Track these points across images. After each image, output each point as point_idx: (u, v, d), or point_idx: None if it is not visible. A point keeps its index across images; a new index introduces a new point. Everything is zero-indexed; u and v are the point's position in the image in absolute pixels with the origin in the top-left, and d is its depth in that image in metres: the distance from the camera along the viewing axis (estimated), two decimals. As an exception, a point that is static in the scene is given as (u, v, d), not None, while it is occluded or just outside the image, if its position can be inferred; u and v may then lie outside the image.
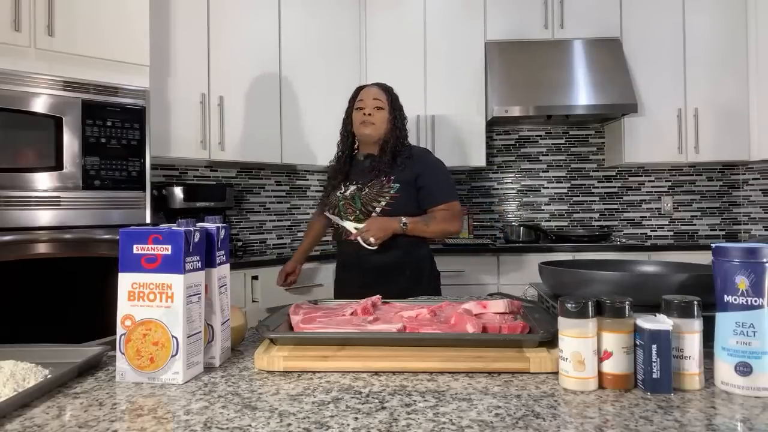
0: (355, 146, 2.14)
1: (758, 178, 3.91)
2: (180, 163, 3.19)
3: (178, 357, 0.81)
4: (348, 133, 2.11)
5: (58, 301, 2.11)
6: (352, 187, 2.02)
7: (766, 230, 3.87)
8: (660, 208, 3.96)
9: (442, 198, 2.01)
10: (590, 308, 0.75)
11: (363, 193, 1.98)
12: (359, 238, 1.90)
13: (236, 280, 2.70)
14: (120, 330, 0.83)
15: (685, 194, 3.95)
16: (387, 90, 2.11)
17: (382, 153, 2.03)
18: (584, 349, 0.75)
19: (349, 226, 1.96)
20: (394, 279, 1.95)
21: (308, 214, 3.82)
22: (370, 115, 2.02)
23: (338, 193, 2.04)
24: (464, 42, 3.62)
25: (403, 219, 1.92)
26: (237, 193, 3.44)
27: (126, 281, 0.83)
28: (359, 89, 2.14)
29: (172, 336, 0.81)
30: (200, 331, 0.86)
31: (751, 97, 3.53)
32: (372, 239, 1.88)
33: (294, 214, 3.76)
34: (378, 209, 1.95)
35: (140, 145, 2.36)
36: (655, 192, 3.96)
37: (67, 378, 0.82)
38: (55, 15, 2.15)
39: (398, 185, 1.97)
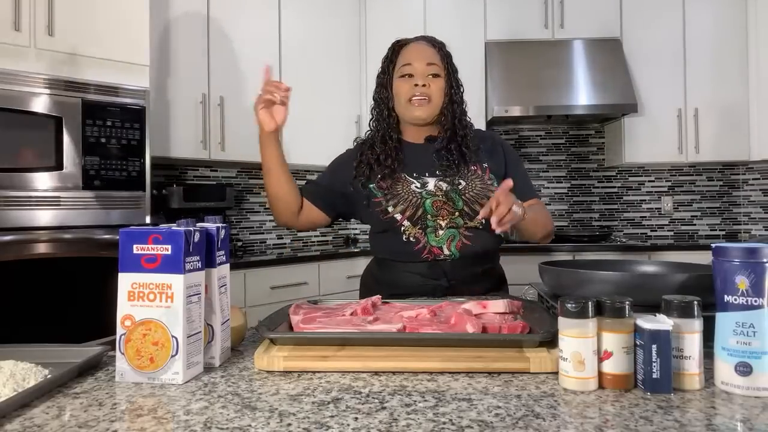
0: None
1: (758, 178, 3.91)
2: (180, 163, 3.19)
3: (178, 357, 0.81)
4: (388, 112, 1.48)
5: (58, 301, 2.11)
6: (432, 180, 1.44)
7: (766, 230, 3.87)
8: (660, 208, 3.96)
9: (531, 194, 1.52)
10: (590, 308, 0.75)
11: (461, 187, 1.42)
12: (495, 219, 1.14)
13: (236, 280, 2.70)
14: (120, 330, 0.82)
15: (685, 194, 3.95)
16: (440, 46, 1.49)
17: (449, 135, 1.46)
18: (584, 349, 0.75)
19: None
20: (474, 288, 1.43)
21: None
22: (424, 86, 1.42)
23: (413, 188, 1.43)
24: (464, 42, 3.62)
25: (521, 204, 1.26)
26: (237, 193, 3.44)
27: (126, 281, 0.83)
28: (399, 45, 1.50)
29: (172, 336, 0.81)
30: (200, 331, 0.86)
31: (751, 97, 3.53)
32: (519, 210, 1.18)
33: (294, 214, 3.76)
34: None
35: (140, 145, 2.36)
36: (655, 192, 3.96)
37: (66, 378, 0.81)
38: (55, 15, 2.15)
39: (493, 176, 1.47)
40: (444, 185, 1.43)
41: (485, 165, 1.48)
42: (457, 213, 1.41)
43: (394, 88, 1.47)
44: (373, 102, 1.54)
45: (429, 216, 1.41)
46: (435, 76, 1.45)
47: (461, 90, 1.51)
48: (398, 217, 1.42)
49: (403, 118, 1.50)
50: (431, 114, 1.45)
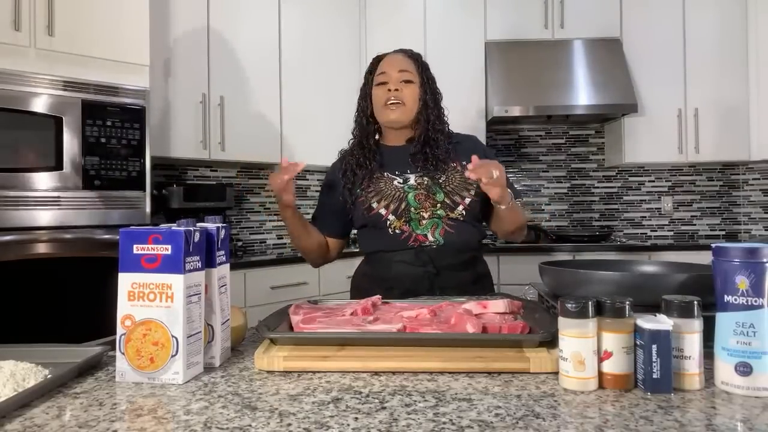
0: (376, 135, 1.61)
1: (758, 178, 3.91)
2: (180, 163, 3.19)
3: (178, 357, 0.81)
4: (368, 119, 1.58)
5: (58, 301, 2.11)
6: (413, 176, 1.51)
7: (766, 230, 3.87)
8: (660, 208, 3.96)
9: (515, 195, 1.52)
10: (590, 308, 0.75)
11: (441, 180, 1.49)
12: (473, 173, 1.27)
13: (236, 280, 2.70)
14: (120, 330, 0.82)
15: (685, 194, 3.95)
16: (415, 57, 1.59)
17: (422, 140, 1.53)
18: (584, 349, 0.75)
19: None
20: (459, 275, 1.49)
21: (308, 213, 3.81)
22: (397, 90, 1.51)
23: (395, 184, 1.51)
24: (464, 42, 3.62)
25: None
26: (237, 193, 3.44)
27: (126, 281, 0.83)
28: (378, 59, 1.61)
29: (172, 336, 0.81)
30: (200, 331, 0.86)
31: (751, 96, 3.53)
32: (495, 173, 1.27)
33: (294, 214, 3.76)
34: (468, 200, 1.48)
35: (140, 144, 2.36)
36: (655, 192, 3.96)
37: (67, 378, 0.81)
38: (55, 15, 2.15)
39: None
40: (425, 180, 1.51)
41: (464, 162, 1.51)
42: (438, 204, 1.48)
43: (372, 96, 1.57)
44: (356, 111, 1.63)
45: (412, 208, 1.48)
46: (408, 82, 1.53)
47: (438, 97, 1.59)
48: (383, 212, 1.49)
49: (381, 123, 1.57)
50: (406, 117, 1.53)
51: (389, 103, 1.51)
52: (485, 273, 1.60)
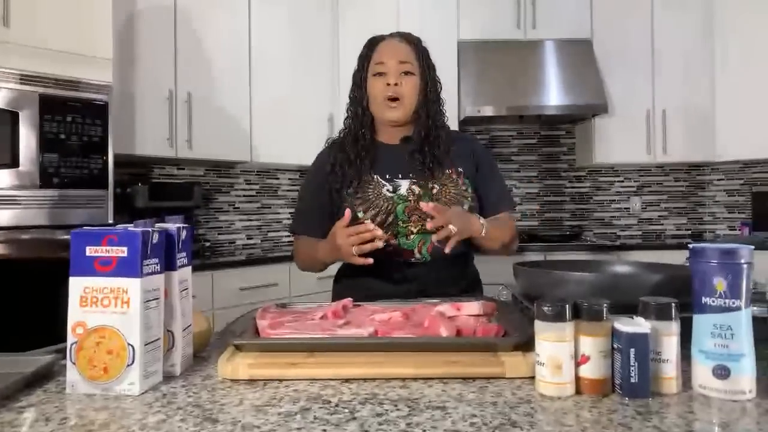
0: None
1: (723, 179, 4.00)
2: (146, 161, 3.09)
3: (135, 366, 0.76)
4: (362, 111, 1.45)
5: (12, 305, 2.01)
6: (405, 183, 1.40)
7: (730, 230, 3.96)
8: (629, 208, 4.01)
9: (506, 203, 1.49)
10: (567, 311, 0.73)
11: (434, 192, 1.39)
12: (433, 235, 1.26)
13: (204, 282, 2.63)
14: (71, 338, 0.77)
15: (653, 194, 4.02)
16: (415, 42, 1.45)
17: (422, 136, 1.43)
18: (561, 354, 0.73)
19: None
20: (447, 291, 1.38)
21: (279, 213, 3.75)
22: (396, 85, 1.39)
23: (385, 192, 1.40)
24: (437, 41, 3.57)
25: (481, 220, 1.34)
26: (205, 192, 3.35)
27: (78, 286, 0.77)
28: (374, 42, 1.46)
29: (128, 344, 0.76)
30: (159, 338, 0.81)
31: (717, 99, 3.60)
32: (453, 228, 1.22)
33: (264, 213, 3.70)
34: None
35: (102, 141, 2.27)
36: (624, 192, 4.01)
37: (12, 390, 0.75)
38: (11, 4, 2.05)
39: (468, 181, 1.44)
40: (417, 189, 1.40)
41: (460, 169, 1.44)
42: (428, 219, 1.34)
43: (368, 86, 1.44)
44: (348, 100, 1.49)
45: (400, 222, 1.38)
46: (408, 74, 1.41)
47: (438, 88, 1.48)
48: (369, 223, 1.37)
49: (377, 118, 1.46)
50: (405, 114, 1.42)
51: (388, 99, 1.39)
52: (475, 279, 1.53)
